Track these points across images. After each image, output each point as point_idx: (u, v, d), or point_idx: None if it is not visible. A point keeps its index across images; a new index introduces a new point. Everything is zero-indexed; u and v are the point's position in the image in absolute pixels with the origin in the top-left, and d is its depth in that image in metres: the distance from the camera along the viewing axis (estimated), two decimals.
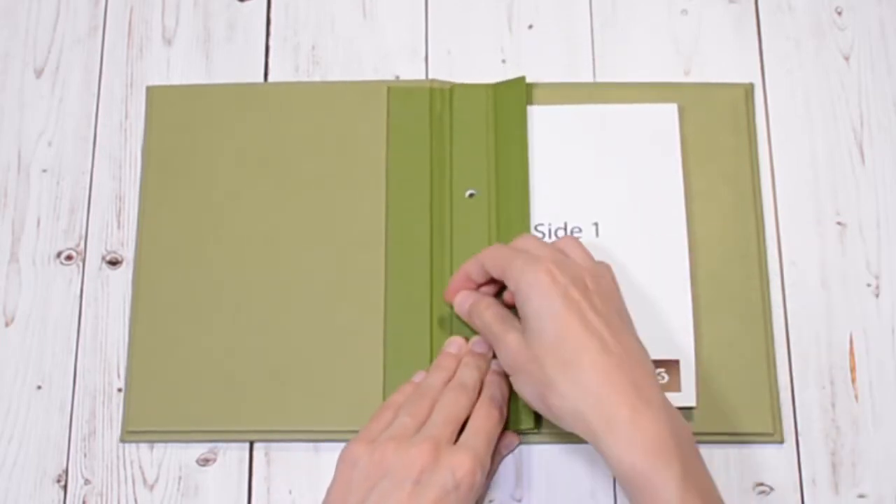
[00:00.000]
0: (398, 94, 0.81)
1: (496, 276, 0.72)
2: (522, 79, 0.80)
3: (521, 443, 0.74)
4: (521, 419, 0.73)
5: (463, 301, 0.74)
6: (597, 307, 0.68)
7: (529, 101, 0.81)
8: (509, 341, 0.69)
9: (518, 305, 0.69)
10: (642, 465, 0.63)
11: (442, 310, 0.76)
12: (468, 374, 0.72)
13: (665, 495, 0.63)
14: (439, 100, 0.81)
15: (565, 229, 0.77)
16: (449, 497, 0.66)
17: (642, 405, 0.65)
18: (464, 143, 0.80)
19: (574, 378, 0.66)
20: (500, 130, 0.80)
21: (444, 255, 0.78)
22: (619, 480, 0.65)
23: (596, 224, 0.78)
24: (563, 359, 0.66)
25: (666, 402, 0.66)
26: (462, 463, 0.67)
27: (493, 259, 0.72)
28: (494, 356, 0.74)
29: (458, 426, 0.70)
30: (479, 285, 0.74)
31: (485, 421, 0.70)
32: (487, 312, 0.72)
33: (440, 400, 0.71)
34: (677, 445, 0.64)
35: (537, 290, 0.68)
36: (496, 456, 0.73)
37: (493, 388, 0.72)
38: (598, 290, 0.69)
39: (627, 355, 0.66)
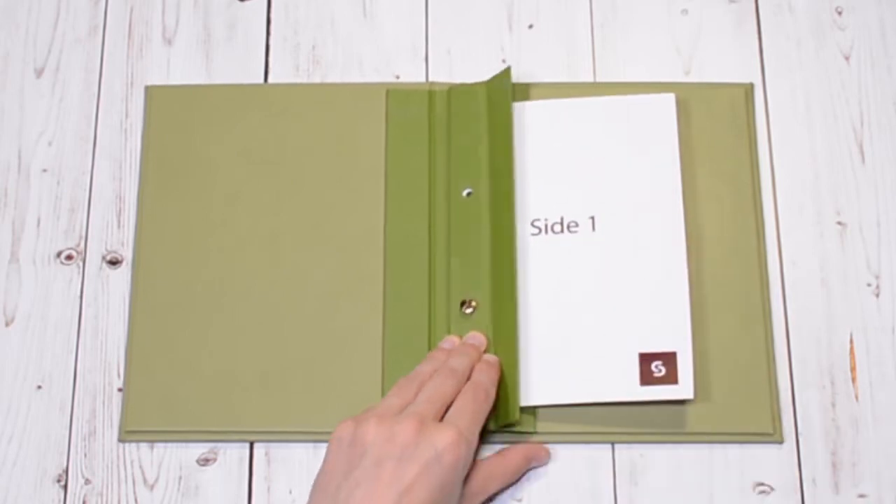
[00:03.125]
0: (396, 96, 0.81)
1: None
2: (507, 71, 0.80)
3: (549, 459, 0.74)
4: (509, 413, 0.73)
5: None
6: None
7: (526, 97, 0.81)
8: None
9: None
10: None
11: (441, 310, 0.76)
12: (457, 361, 0.73)
13: None
14: (438, 102, 0.81)
15: (561, 224, 0.77)
16: (432, 470, 0.66)
17: None
18: (461, 142, 0.80)
19: None
20: (492, 127, 0.80)
21: (444, 256, 0.78)
22: None
23: (592, 218, 0.77)
24: None
25: None
26: (444, 436, 0.67)
27: None
28: (486, 350, 0.74)
29: (444, 406, 0.70)
30: None
31: (470, 402, 0.70)
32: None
33: (427, 383, 0.71)
34: None
35: None
36: (522, 464, 0.72)
37: (482, 373, 0.72)
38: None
39: None
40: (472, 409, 0.70)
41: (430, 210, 0.79)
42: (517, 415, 0.73)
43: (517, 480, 0.73)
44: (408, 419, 0.67)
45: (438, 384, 0.71)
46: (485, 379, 0.72)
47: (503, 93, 0.80)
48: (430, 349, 0.76)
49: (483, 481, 0.71)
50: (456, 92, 0.81)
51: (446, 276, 0.77)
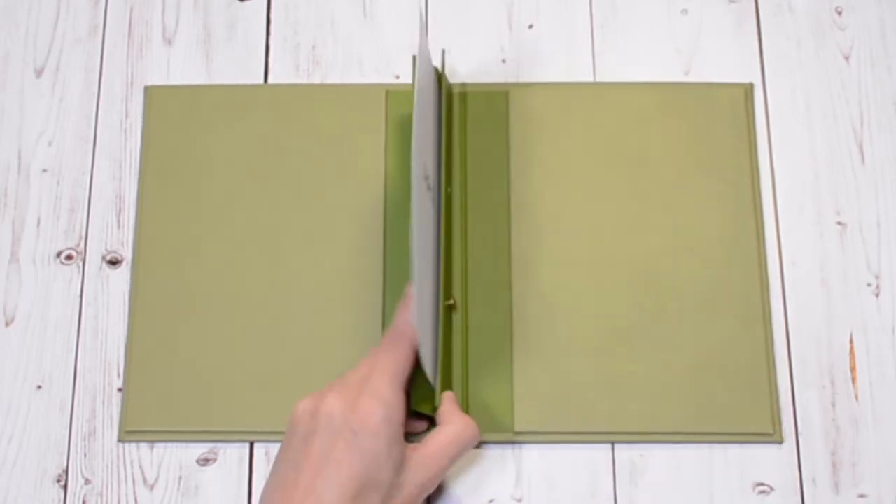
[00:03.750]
0: (396, 97, 0.81)
1: None
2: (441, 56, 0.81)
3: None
4: (418, 401, 0.72)
5: None
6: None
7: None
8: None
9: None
10: None
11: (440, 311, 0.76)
12: None
13: None
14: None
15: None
16: (350, 444, 0.66)
17: None
18: (446, 141, 0.80)
19: None
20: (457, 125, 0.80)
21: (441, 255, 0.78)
22: None
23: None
24: None
25: None
26: (361, 405, 0.67)
27: None
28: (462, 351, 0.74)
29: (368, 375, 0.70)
30: None
31: (382, 353, 0.70)
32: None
33: None
34: None
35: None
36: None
37: (396, 315, 0.73)
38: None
39: None
40: (384, 362, 0.70)
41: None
42: (431, 409, 0.72)
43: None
44: (329, 393, 0.68)
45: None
46: (399, 320, 0.72)
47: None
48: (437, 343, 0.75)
49: (426, 480, 0.70)
50: (445, 91, 0.81)
51: (445, 277, 0.77)
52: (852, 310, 0.77)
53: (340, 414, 0.67)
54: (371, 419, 0.67)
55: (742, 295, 0.77)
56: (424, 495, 0.69)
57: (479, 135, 0.80)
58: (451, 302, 0.76)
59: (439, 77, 0.79)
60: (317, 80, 0.83)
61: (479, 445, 0.74)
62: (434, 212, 0.76)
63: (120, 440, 0.75)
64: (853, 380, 0.76)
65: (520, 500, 0.74)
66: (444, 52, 0.81)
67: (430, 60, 0.77)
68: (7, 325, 0.78)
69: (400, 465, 0.68)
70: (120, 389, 0.76)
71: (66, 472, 0.75)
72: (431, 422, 0.73)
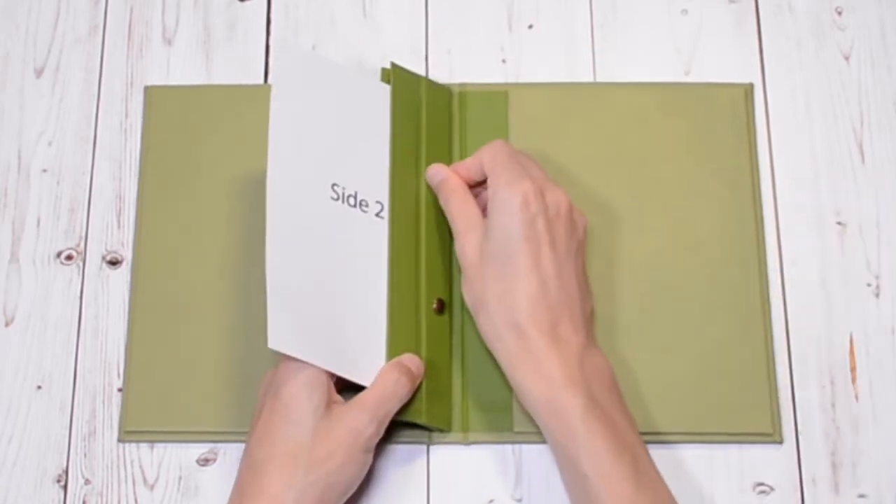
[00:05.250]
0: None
1: (486, 173, 0.74)
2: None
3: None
4: (413, 411, 0.72)
5: (435, 174, 0.77)
6: (557, 241, 0.71)
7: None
8: (466, 242, 0.72)
9: (488, 213, 0.73)
10: (549, 395, 0.67)
11: (422, 310, 0.75)
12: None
13: (570, 421, 0.67)
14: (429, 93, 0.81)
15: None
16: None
17: (557, 344, 0.68)
18: (433, 138, 0.79)
19: (505, 304, 0.70)
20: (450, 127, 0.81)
21: (423, 254, 0.77)
22: (527, 409, 0.69)
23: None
24: (502, 283, 0.70)
25: (583, 346, 0.70)
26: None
27: (492, 158, 0.74)
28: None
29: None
30: (476, 183, 0.76)
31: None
32: (452, 200, 0.75)
33: None
34: (585, 382, 0.68)
35: (507, 209, 0.71)
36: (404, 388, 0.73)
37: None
38: (569, 222, 0.72)
39: (562, 298, 0.70)
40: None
41: (416, 206, 0.78)
42: (423, 417, 0.73)
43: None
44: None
45: None
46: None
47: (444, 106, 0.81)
48: (420, 348, 0.75)
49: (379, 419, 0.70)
50: (431, 90, 0.80)
51: (426, 275, 0.76)
52: (852, 310, 0.77)
53: (270, 376, 0.71)
54: (288, 372, 0.69)
55: (742, 295, 0.77)
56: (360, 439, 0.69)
57: (479, 135, 0.80)
58: (436, 306, 0.76)
59: (411, 81, 0.79)
60: None
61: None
62: (355, 225, 0.75)
63: (120, 440, 0.75)
64: (853, 380, 0.76)
65: (520, 500, 0.74)
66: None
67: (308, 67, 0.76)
68: (7, 325, 0.78)
69: (323, 412, 0.69)
70: (120, 389, 0.76)
71: (66, 472, 0.75)
72: (421, 427, 0.74)
